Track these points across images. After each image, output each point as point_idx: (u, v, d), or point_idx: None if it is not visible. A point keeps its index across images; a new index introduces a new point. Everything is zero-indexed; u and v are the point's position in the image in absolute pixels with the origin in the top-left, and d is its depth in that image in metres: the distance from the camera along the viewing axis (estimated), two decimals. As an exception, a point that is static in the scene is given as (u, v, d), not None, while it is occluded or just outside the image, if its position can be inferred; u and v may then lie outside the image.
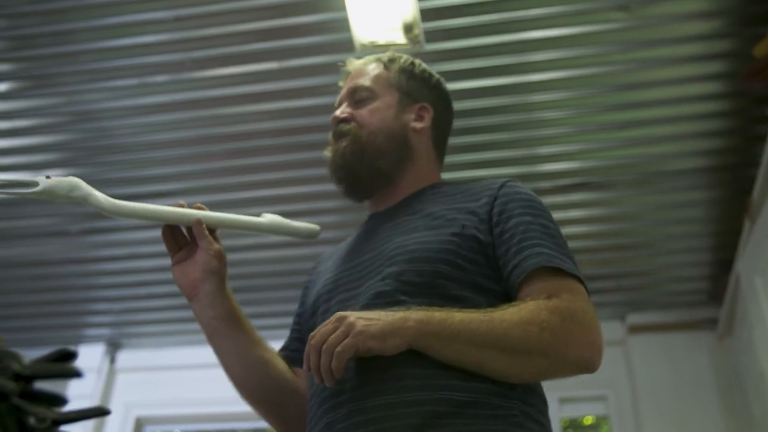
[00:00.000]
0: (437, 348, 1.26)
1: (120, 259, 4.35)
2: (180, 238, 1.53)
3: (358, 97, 1.69)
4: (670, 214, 3.87)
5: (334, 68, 3.29)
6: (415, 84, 1.73)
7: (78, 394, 4.42)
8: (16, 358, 0.70)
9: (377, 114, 1.66)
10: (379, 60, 1.76)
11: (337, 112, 1.70)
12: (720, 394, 4.17)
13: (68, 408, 0.78)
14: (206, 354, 5.31)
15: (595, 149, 3.55)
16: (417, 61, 1.78)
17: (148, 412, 4.94)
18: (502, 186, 1.52)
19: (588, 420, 4.68)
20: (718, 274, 4.12)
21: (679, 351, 4.33)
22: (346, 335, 1.21)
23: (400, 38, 3.02)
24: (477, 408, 1.25)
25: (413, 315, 1.26)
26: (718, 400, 4.15)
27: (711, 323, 4.35)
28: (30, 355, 0.76)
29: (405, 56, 1.78)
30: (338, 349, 1.20)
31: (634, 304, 4.46)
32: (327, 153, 1.69)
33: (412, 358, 1.26)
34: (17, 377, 0.71)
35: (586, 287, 1.38)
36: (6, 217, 4.10)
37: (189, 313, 5.25)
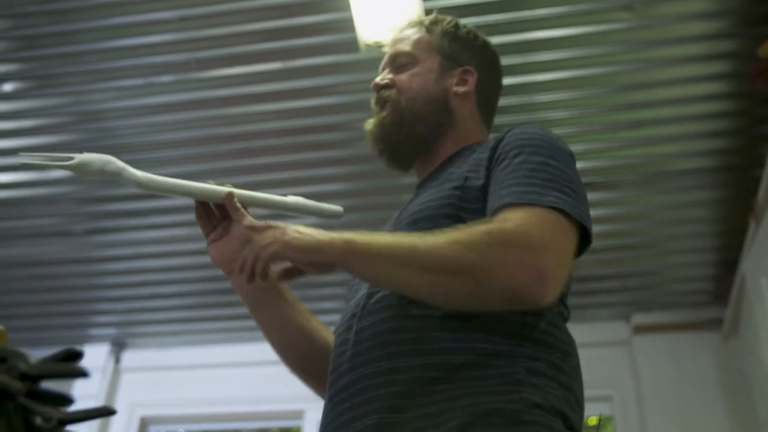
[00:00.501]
0: (361, 268, 1.25)
1: (124, 259, 4.36)
2: (213, 218, 1.55)
3: (398, 62, 1.66)
4: (675, 214, 3.86)
5: (339, 68, 3.33)
6: (458, 47, 1.68)
7: (83, 393, 4.40)
8: (22, 357, 0.71)
9: (417, 79, 1.62)
10: (421, 24, 1.72)
11: (378, 79, 1.67)
12: (725, 394, 4.16)
13: (73, 408, 0.78)
14: (211, 354, 5.33)
15: (600, 149, 3.55)
16: (461, 23, 1.73)
17: (152, 411, 4.94)
18: (510, 130, 1.45)
19: (592, 420, 4.68)
20: (723, 274, 4.11)
21: (684, 351, 4.33)
22: (274, 241, 1.25)
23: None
24: (474, 370, 1.21)
25: (343, 235, 1.24)
26: (723, 401, 4.15)
27: (716, 323, 4.34)
28: (35, 355, 0.77)
29: (449, 18, 1.73)
30: (262, 253, 1.25)
31: (638, 305, 4.46)
32: (367, 126, 1.66)
33: (410, 322, 1.26)
34: (24, 377, 0.71)
35: (577, 216, 1.26)
36: (10, 217, 4.11)
37: (194, 313, 5.27)
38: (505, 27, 3.11)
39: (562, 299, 1.35)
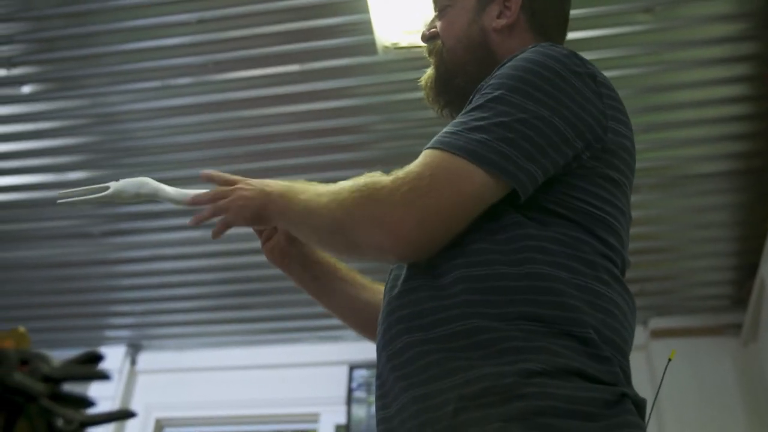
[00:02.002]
0: (274, 221, 1.38)
1: (142, 260, 4.37)
2: None
3: (439, 6, 1.50)
4: (695, 217, 3.84)
5: (357, 70, 3.32)
6: None
7: (99, 395, 4.43)
8: (45, 359, 0.71)
9: (454, 25, 1.46)
10: None
11: (423, 29, 1.54)
12: (744, 400, 4.13)
13: (92, 410, 0.78)
14: (227, 356, 5.34)
15: (619, 152, 3.53)
16: None
17: (168, 413, 4.96)
18: (511, 59, 1.28)
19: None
20: (743, 278, 4.09)
21: (703, 356, 4.30)
22: (227, 209, 1.38)
23: (423, 40, 3.01)
24: (465, 336, 1.10)
25: (277, 189, 1.35)
26: (742, 407, 4.12)
27: (735, 328, 4.32)
28: (53, 355, 0.77)
29: None
30: (217, 221, 1.39)
31: (657, 309, 4.43)
32: (422, 82, 1.53)
33: (413, 294, 1.19)
34: (46, 379, 0.71)
35: (476, 158, 1.12)
36: (29, 218, 4.13)
37: (210, 315, 5.28)
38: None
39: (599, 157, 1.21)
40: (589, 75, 1.26)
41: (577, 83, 1.23)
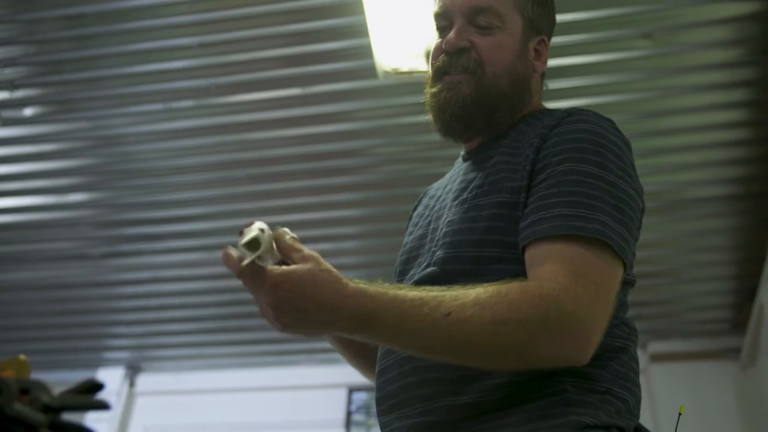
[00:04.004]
0: (382, 341, 1.14)
1: (141, 282, 4.37)
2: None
3: (480, 21, 1.35)
4: (694, 241, 3.84)
5: (358, 94, 3.34)
6: (541, 11, 1.40)
7: (97, 417, 4.45)
8: (45, 389, 0.71)
9: (506, 50, 1.34)
10: None
11: (452, 36, 1.35)
12: (744, 424, 4.12)
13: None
14: (226, 378, 5.33)
15: (618, 177, 3.53)
16: None
17: (166, 435, 4.94)
18: (558, 123, 1.25)
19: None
20: (742, 302, 4.09)
21: (702, 381, 4.30)
22: (271, 321, 1.08)
23: (424, 65, 3.03)
24: (519, 394, 1.12)
25: (355, 306, 1.04)
26: (741, 431, 4.10)
27: (734, 352, 4.31)
28: (51, 377, 0.78)
29: None
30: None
31: (656, 333, 4.43)
32: (429, 97, 1.39)
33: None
34: (46, 409, 0.71)
35: (620, 251, 1.13)
36: (29, 240, 4.14)
37: (209, 338, 5.28)
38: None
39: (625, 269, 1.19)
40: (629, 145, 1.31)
41: (631, 156, 1.29)
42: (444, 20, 1.40)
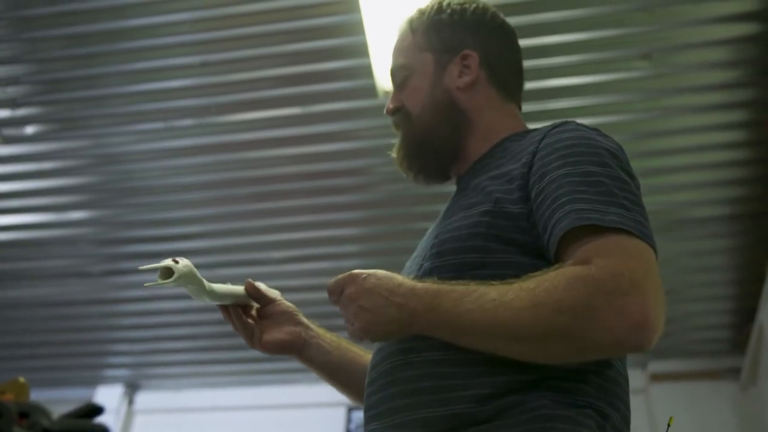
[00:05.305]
0: (444, 339, 1.14)
1: (140, 300, 4.37)
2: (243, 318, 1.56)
3: (398, 80, 1.51)
4: (693, 261, 3.85)
5: (358, 114, 3.35)
6: (449, 33, 1.49)
7: (97, 435, 4.43)
8: (44, 413, 0.72)
9: (418, 91, 1.46)
10: (409, 23, 1.52)
11: (388, 103, 1.52)
12: (744, 445, 4.11)
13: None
14: (225, 396, 5.30)
15: (617, 196, 3.54)
16: (444, 2, 1.52)
17: (165, 454, 4.93)
18: (545, 136, 1.27)
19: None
20: (741, 322, 4.08)
21: (702, 400, 4.28)
22: (350, 321, 1.17)
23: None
24: (500, 411, 1.11)
25: (414, 309, 1.12)
26: (741, 452, 4.10)
27: (734, 372, 4.30)
28: (50, 394, 0.78)
29: (432, 3, 1.52)
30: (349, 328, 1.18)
31: (655, 352, 4.42)
32: (393, 153, 1.51)
33: (428, 367, 1.17)
34: None
35: (643, 237, 1.12)
36: (29, 257, 4.14)
37: (208, 356, 5.26)
38: (524, 74, 3.12)
39: None
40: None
41: (626, 157, 1.31)
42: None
